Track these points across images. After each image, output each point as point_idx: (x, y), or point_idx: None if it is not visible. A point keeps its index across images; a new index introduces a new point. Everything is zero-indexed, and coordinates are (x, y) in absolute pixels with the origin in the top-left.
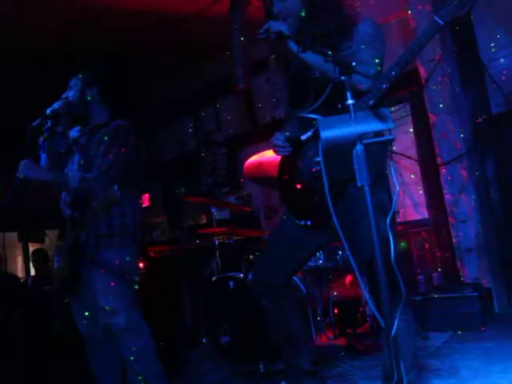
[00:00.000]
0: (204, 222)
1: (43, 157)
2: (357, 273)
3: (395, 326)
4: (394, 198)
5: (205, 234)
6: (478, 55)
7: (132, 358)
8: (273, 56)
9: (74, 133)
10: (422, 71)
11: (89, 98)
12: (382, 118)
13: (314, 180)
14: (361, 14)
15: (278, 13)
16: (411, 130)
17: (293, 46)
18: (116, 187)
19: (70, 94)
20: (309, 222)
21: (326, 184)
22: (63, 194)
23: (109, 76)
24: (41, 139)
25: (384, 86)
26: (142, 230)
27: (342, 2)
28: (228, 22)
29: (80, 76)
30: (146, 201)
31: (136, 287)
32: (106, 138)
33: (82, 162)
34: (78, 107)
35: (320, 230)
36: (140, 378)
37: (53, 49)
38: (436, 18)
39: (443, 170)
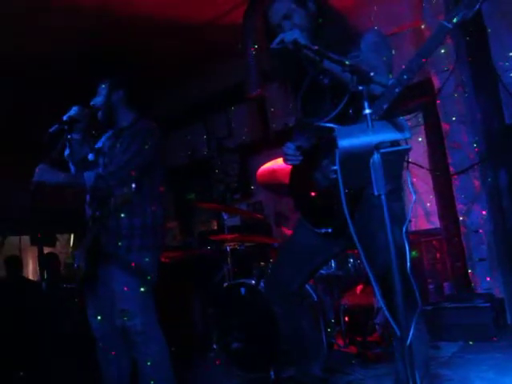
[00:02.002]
0: (215, 228)
1: (70, 165)
2: (373, 281)
3: (410, 335)
4: (410, 208)
5: (216, 240)
6: (491, 65)
7: (147, 361)
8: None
9: (104, 139)
10: (436, 81)
11: (114, 102)
12: (398, 128)
13: (333, 188)
14: (366, 24)
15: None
16: (423, 139)
17: (311, 55)
18: (134, 185)
19: (98, 99)
20: (329, 230)
21: (342, 192)
22: (87, 196)
23: (133, 79)
24: (66, 150)
25: (397, 89)
26: (163, 231)
27: (346, 14)
28: (242, 30)
29: (107, 82)
30: None
31: (142, 289)
32: (124, 136)
33: (106, 161)
34: (105, 113)
35: (337, 237)
36: (152, 382)
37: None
38: (444, 22)
39: (456, 180)
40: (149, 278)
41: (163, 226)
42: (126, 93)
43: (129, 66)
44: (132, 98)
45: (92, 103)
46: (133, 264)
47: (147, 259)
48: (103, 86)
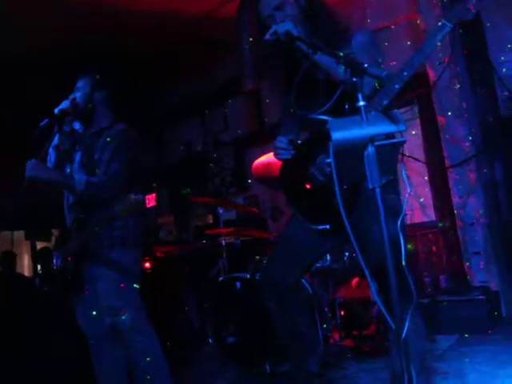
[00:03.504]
0: (211, 222)
1: (52, 156)
2: (368, 275)
3: (406, 328)
4: (405, 201)
5: (211, 234)
6: (487, 58)
7: (140, 357)
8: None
9: (82, 133)
10: (431, 74)
11: (97, 100)
12: (393, 120)
13: (330, 183)
14: (362, 17)
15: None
16: (418, 132)
17: (303, 47)
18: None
19: (78, 95)
20: (328, 226)
21: (336, 185)
22: (66, 195)
23: (117, 80)
24: (55, 139)
25: (397, 86)
26: (145, 230)
27: (335, 11)
28: (236, 23)
29: (89, 78)
30: (152, 201)
31: (128, 286)
32: (108, 140)
33: (83, 160)
34: (84, 109)
35: (335, 233)
36: (148, 377)
37: (61, 49)
38: (444, 21)
39: (451, 173)
40: (133, 274)
41: (144, 223)
42: (109, 93)
43: (115, 64)
44: (113, 99)
45: (72, 97)
46: (116, 262)
47: (130, 256)
48: (84, 81)
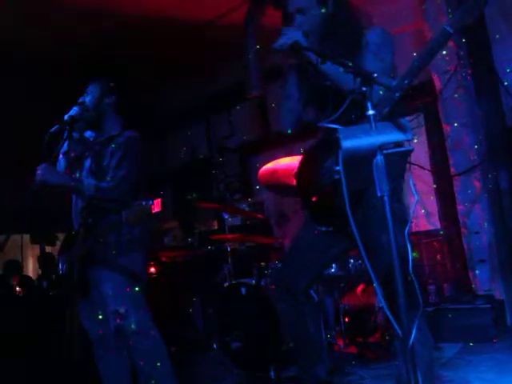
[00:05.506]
0: (216, 228)
1: (62, 162)
2: (375, 281)
3: (413, 336)
4: (412, 209)
5: (217, 239)
6: (493, 67)
7: (144, 360)
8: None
9: (92, 140)
10: (437, 82)
11: (105, 105)
12: (401, 129)
13: (335, 187)
14: (371, 22)
15: (299, 26)
16: (424, 140)
17: (312, 56)
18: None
19: (87, 99)
20: (330, 228)
21: (345, 193)
22: (75, 199)
23: (125, 85)
24: (64, 145)
25: (397, 94)
26: (151, 235)
27: (358, 15)
28: (243, 29)
29: (98, 83)
30: (157, 206)
31: (134, 289)
32: (116, 146)
33: (92, 167)
34: (93, 113)
35: (342, 235)
36: (153, 381)
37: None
38: (446, 27)
39: (456, 181)
40: (139, 277)
41: (150, 229)
42: (117, 99)
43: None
44: (121, 105)
45: (81, 101)
46: (121, 267)
47: (136, 261)
48: (94, 86)
